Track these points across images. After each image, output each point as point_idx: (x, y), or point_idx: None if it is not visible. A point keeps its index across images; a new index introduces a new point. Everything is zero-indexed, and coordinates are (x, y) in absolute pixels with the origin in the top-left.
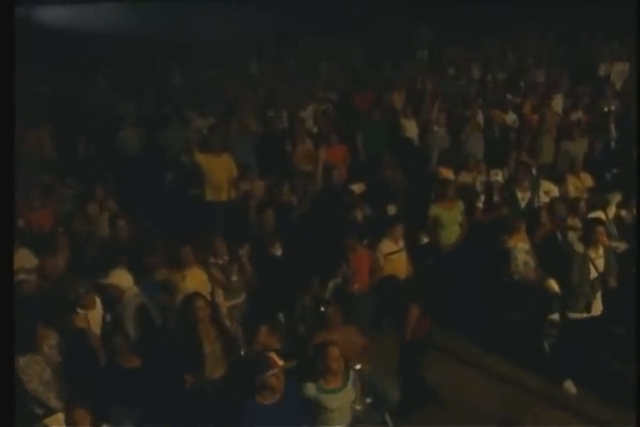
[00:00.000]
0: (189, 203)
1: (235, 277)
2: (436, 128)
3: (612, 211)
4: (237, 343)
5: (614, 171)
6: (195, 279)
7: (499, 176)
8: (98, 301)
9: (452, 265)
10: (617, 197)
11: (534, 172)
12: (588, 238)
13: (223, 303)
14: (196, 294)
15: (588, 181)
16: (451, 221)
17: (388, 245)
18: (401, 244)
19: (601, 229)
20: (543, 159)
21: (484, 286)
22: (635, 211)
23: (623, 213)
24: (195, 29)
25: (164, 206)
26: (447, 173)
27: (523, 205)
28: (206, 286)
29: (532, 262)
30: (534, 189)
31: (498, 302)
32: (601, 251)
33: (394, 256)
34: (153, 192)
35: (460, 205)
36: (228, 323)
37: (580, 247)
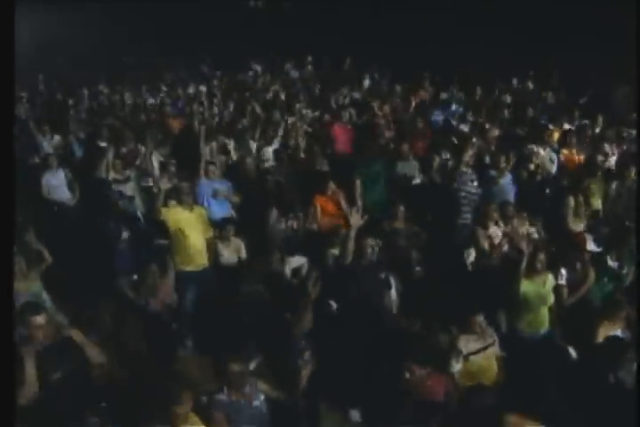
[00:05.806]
0: None
1: None
2: (464, 169)
3: None
4: None
5: None
6: None
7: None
8: None
9: (539, 364)
10: None
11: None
12: None
13: None
14: None
15: None
16: (541, 301)
17: (467, 342)
18: (489, 338)
19: None
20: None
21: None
22: None
23: None
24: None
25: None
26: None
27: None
28: None
29: None
30: (631, 254)
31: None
32: None
33: (478, 357)
34: (98, 261)
35: (551, 280)
36: None
37: None
